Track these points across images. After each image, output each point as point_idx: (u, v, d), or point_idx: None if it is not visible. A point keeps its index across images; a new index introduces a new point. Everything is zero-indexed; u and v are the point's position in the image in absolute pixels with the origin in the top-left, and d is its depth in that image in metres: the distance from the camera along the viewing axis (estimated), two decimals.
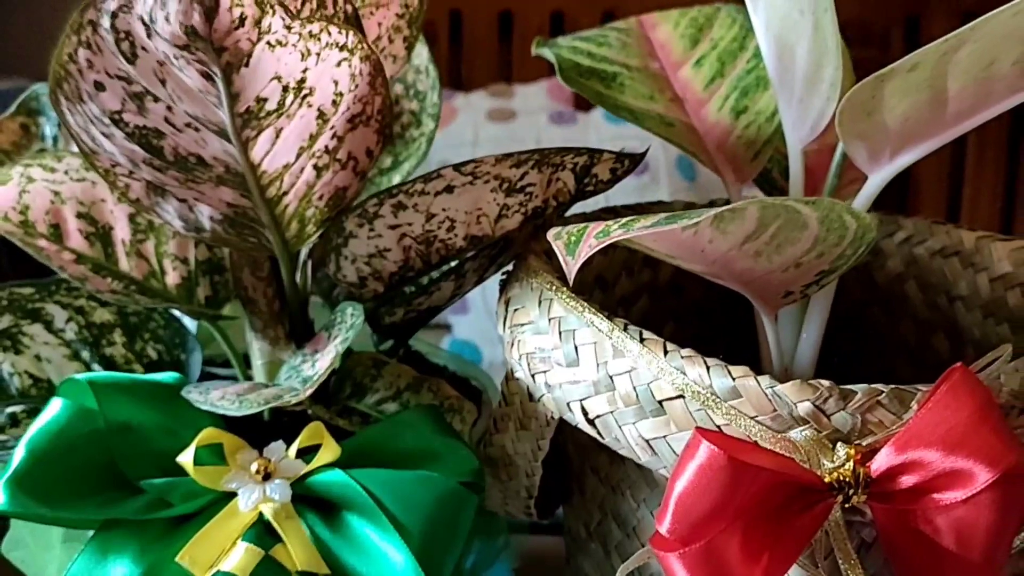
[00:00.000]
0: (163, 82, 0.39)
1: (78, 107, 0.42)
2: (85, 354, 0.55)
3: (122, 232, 0.54)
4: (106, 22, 0.37)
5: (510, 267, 0.55)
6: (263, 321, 0.55)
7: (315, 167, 0.47)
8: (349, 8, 0.46)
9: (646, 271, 0.61)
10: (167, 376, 0.51)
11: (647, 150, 0.54)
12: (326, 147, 0.46)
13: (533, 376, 0.47)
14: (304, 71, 0.40)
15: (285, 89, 0.41)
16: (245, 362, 0.58)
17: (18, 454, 0.46)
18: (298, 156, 0.45)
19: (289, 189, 0.47)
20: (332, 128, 0.45)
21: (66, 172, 0.53)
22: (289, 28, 0.37)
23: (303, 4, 0.44)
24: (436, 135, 0.63)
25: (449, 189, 0.49)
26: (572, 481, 0.55)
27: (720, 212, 0.36)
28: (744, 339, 0.55)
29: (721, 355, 0.42)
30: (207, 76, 0.38)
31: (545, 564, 0.65)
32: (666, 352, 0.43)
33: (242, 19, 0.36)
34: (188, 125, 0.42)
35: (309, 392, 0.44)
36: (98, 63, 0.39)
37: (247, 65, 0.38)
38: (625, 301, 0.61)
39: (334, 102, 0.44)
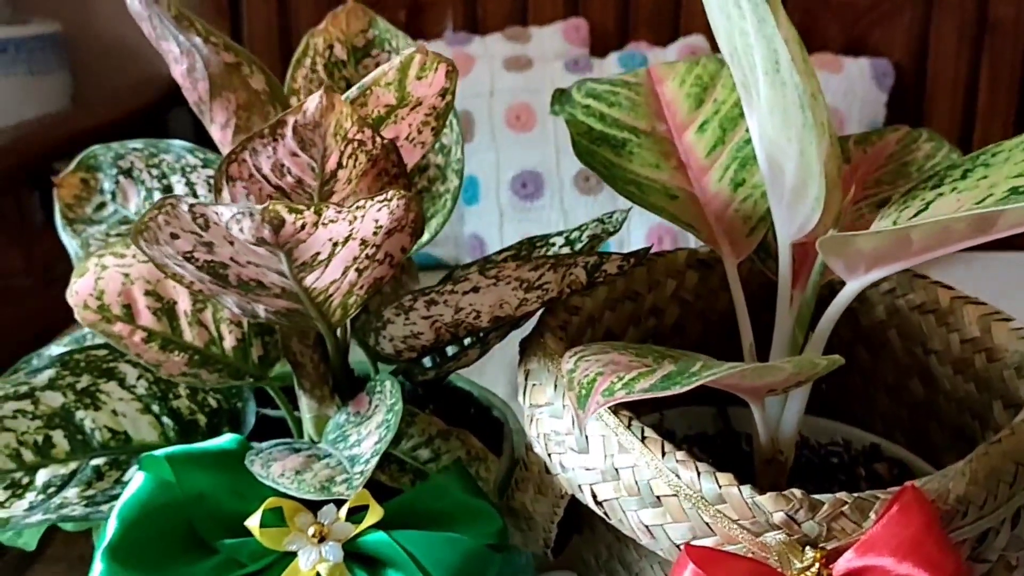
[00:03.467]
0: (231, 243, 0.46)
1: (155, 247, 0.48)
2: (155, 407, 0.63)
3: (184, 304, 0.61)
4: (184, 207, 0.43)
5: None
6: (310, 382, 0.62)
7: (357, 271, 0.54)
8: (386, 141, 0.52)
9: (651, 319, 0.68)
10: (229, 442, 0.58)
11: (651, 247, 0.60)
12: (367, 255, 0.53)
13: (549, 455, 0.54)
14: (351, 230, 0.46)
15: (335, 244, 0.47)
16: (291, 400, 0.65)
17: (111, 526, 0.54)
18: (344, 272, 0.52)
19: (335, 292, 0.54)
20: (372, 244, 0.52)
21: (134, 256, 0.60)
22: (339, 212, 0.44)
23: (346, 145, 0.50)
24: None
25: (475, 289, 0.55)
26: (583, 516, 0.63)
27: (710, 373, 0.42)
28: None
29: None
30: (271, 251, 0.45)
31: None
32: (663, 453, 0.50)
33: (303, 225, 0.42)
34: (250, 263, 0.48)
35: (361, 484, 0.51)
36: (175, 224, 0.46)
37: (305, 242, 0.44)
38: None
39: (375, 232, 0.50)
